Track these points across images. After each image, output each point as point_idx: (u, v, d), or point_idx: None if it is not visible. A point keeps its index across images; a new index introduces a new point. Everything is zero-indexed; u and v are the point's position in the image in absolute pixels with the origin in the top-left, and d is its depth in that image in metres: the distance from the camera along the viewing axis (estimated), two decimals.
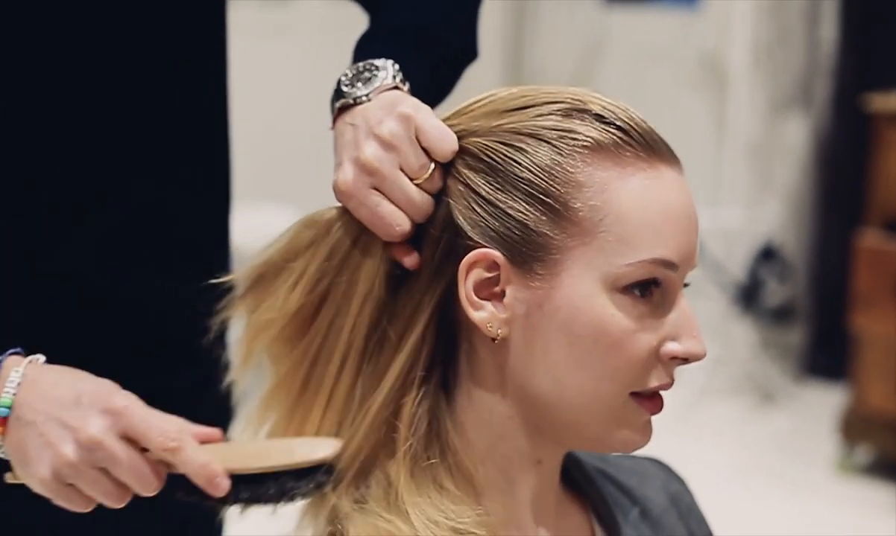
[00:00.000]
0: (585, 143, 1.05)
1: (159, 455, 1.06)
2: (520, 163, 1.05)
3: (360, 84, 1.15)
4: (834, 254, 4.85)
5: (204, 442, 1.09)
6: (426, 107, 1.11)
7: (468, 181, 1.07)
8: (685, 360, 1.06)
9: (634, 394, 1.06)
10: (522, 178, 1.05)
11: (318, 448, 1.09)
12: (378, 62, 1.17)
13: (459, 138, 1.08)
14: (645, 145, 1.05)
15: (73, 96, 1.30)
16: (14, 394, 1.09)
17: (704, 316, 4.96)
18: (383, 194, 1.08)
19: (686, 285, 1.09)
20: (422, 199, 1.07)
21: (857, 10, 4.85)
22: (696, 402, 4.75)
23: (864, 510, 3.95)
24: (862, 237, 4.00)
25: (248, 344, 1.15)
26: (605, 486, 1.24)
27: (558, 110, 1.07)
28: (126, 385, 1.18)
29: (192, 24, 1.39)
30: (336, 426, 1.12)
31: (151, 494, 1.07)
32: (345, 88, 1.15)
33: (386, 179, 1.07)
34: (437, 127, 1.08)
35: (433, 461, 1.10)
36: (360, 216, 1.09)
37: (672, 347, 1.05)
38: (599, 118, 1.06)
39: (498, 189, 1.06)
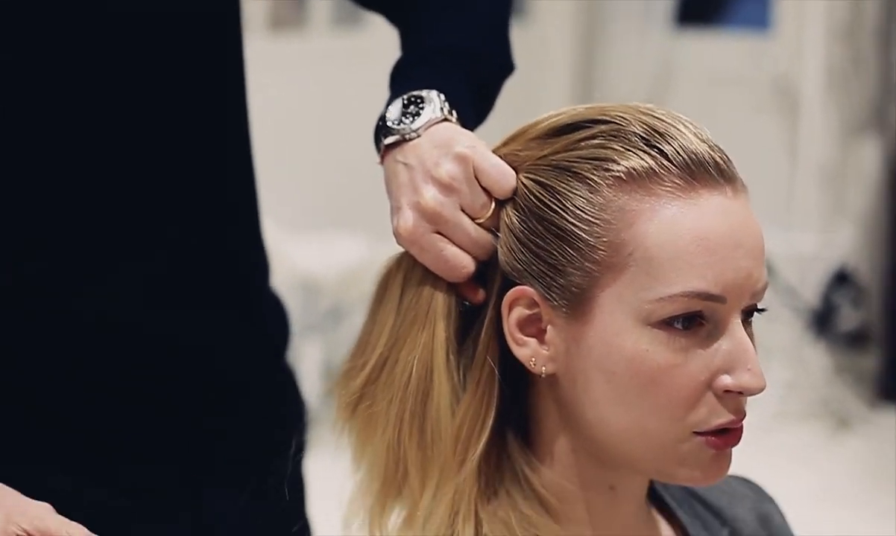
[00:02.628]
0: (618, 174, 1.03)
1: None
2: (552, 207, 1.04)
3: (407, 119, 1.12)
4: None
5: None
6: (482, 144, 1.09)
7: (508, 219, 1.07)
8: (740, 393, 1.03)
9: (698, 436, 1.03)
10: (554, 223, 1.04)
11: None
12: (424, 93, 1.14)
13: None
14: (686, 169, 1.02)
15: (96, 140, 1.28)
16: None
17: (778, 340, 4.93)
18: (446, 238, 1.07)
19: (759, 310, 1.06)
20: (484, 239, 1.07)
21: None
22: (770, 427, 4.71)
23: None
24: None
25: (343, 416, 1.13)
26: (694, 507, 1.23)
27: (601, 133, 1.05)
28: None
29: (211, 62, 1.36)
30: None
31: None
32: (392, 125, 1.13)
33: (448, 223, 1.07)
34: (496, 166, 1.07)
35: (514, 495, 1.09)
36: (424, 261, 1.09)
37: (725, 381, 1.02)
38: (642, 141, 1.03)
39: (531, 230, 1.05)
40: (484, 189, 1.07)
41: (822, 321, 4.85)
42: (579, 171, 1.04)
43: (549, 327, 1.06)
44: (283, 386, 1.49)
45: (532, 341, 1.07)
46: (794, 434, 4.75)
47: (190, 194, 1.34)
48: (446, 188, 1.07)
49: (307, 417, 1.46)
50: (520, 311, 1.06)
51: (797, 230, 5.02)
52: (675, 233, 1.01)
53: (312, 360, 4.49)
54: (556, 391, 1.08)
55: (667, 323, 1.01)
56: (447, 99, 1.14)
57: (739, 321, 1.04)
